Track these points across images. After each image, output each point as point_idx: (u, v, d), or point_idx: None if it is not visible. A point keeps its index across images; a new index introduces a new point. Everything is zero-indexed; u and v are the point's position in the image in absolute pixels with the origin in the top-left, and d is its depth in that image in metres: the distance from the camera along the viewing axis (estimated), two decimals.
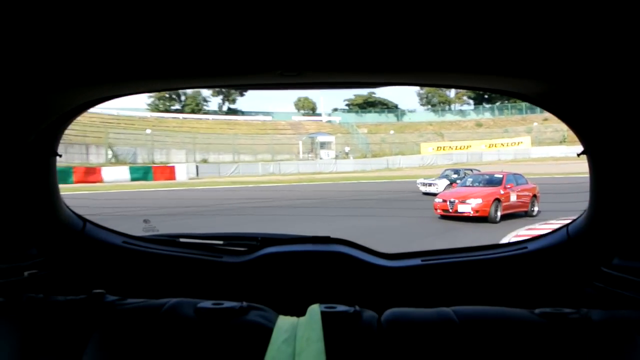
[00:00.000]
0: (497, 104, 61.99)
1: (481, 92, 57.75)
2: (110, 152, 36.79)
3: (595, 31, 1.07)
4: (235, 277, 1.91)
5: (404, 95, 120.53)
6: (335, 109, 68.95)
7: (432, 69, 1.42)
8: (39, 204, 1.75)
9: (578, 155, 1.66)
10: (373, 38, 1.17)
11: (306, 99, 66.60)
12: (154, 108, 57.94)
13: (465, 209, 13.33)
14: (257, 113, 62.63)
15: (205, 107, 61.15)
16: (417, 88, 67.05)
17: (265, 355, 1.05)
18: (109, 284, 1.50)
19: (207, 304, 1.22)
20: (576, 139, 1.72)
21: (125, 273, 1.92)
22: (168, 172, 31.57)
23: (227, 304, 1.21)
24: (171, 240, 2.06)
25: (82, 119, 41.64)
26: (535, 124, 51.06)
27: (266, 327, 1.15)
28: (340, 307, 1.21)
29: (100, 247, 1.92)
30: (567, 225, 1.84)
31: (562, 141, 45.54)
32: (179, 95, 60.10)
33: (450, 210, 13.47)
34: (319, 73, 1.47)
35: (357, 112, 65.50)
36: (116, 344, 1.16)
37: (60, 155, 1.81)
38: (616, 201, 1.57)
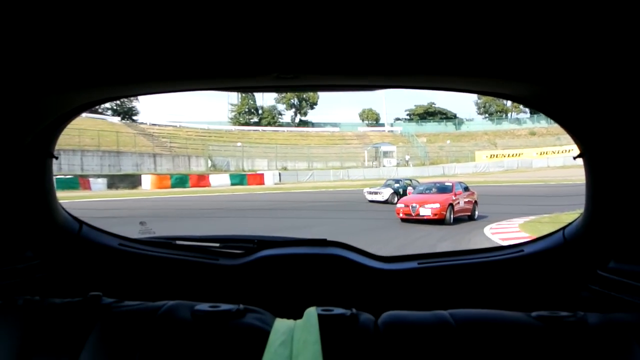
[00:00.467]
0: None
1: None
2: (209, 162, 44.40)
3: (589, 33, 1.07)
4: (231, 280, 1.91)
5: (463, 104, 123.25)
6: (398, 119, 74.64)
7: (426, 72, 1.42)
8: (35, 206, 1.74)
9: (574, 158, 1.67)
10: (369, 41, 1.19)
11: (370, 110, 72.75)
12: (236, 121, 65.82)
13: (425, 212, 15.02)
14: (325, 124, 69.41)
15: (280, 120, 68.45)
16: (475, 97, 71.39)
17: (262, 358, 1.05)
18: (105, 287, 1.48)
19: (204, 306, 1.21)
20: None
21: (121, 275, 1.92)
22: (259, 178, 38.32)
23: (224, 306, 1.21)
24: (167, 242, 2.07)
25: (181, 133, 49.86)
26: None
27: (263, 330, 1.14)
28: (337, 310, 1.21)
29: (96, 249, 1.91)
30: (564, 228, 1.84)
31: None
32: (256, 109, 67.71)
33: (413, 214, 15.15)
34: (315, 76, 1.47)
35: (417, 121, 70.78)
36: (113, 347, 1.16)
37: (57, 157, 1.79)
38: (612, 204, 1.56)
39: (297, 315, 1.21)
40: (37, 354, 1.18)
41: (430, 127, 69.02)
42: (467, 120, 72.55)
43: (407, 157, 52.77)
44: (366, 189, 25.75)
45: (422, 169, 48.17)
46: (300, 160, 49.65)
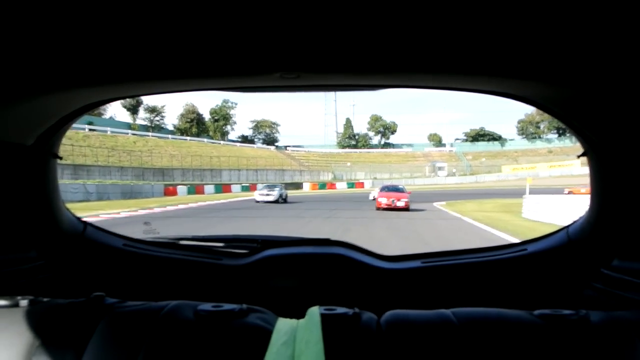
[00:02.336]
0: None
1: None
2: (332, 175, 74.64)
3: (596, 31, 1.05)
4: (235, 280, 1.90)
5: (507, 126, 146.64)
6: (457, 139, 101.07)
7: (432, 71, 1.39)
8: (39, 207, 1.74)
9: (578, 157, 1.66)
10: (373, 39, 1.16)
11: (435, 134, 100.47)
12: (339, 145, 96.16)
13: (400, 204, 23.72)
14: (402, 145, 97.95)
15: (370, 142, 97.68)
16: (515, 122, 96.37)
17: (265, 358, 1.05)
18: (109, 287, 1.50)
19: (207, 306, 1.21)
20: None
21: (125, 276, 1.91)
22: (361, 185, 67.17)
23: (227, 306, 1.21)
24: (171, 242, 2.07)
25: (310, 155, 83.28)
26: None
27: (266, 330, 1.14)
28: (340, 309, 1.21)
29: (100, 249, 1.91)
30: (567, 227, 1.82)
31: None
32: (354, 135, 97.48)
33: (392, 205, 23.61)
34: (319, 75, 1.46)
35: (471, 142, 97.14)
36: (116, 347, 1.15)
37: (61, 158, 1.79)
38: (616, 203, 1.55)
39: (300, 314, 1.22)
40: (41, 354, 1.18)
41: (482, 146, 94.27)
42: (509, 140, 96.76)
43: (454, 170, 79.73)
44: (257, 192, 31.32)
45: (463, 178, 74.86)
46: (384, 172, 77.98)
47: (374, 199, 27.54)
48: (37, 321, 1.24)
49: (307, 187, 61.76)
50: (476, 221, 17.88)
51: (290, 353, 1.07)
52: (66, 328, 1.22)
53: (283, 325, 1.16)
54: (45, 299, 1.31)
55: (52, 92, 1.43)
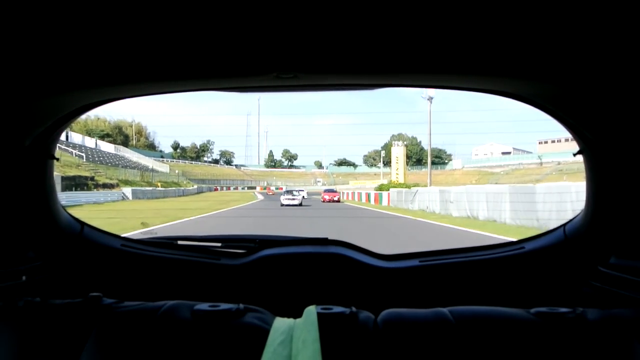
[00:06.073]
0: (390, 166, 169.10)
1: (389, 161, 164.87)
2: (266, 183, 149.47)
3: (595, 30, 1.06)
4: (233, 279, 1.91)
5: (359, 157, 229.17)
6: (331, 163, 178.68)
7: (428, 70, 1.39)
8: (36, 207, 1.73)
9: (574, 155, 1.66)
10: (369, 39, 1.16)
11: (318, 160, 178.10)
12: (266, 166, 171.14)
13: (335, 198, 46.88)
14: (299, 166, 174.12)
15: (282, 164, 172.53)
16: (361, 156, 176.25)
17: (262, 357, 1.05)
18: (106, 287, 1.50)
19: (204, 306, 1.21)
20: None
21: (123, 276, 1.91)
22: (281, 189, 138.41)
23: (224, 306, 1.21)
24: (169, 242, 2.08)
25: (253, 172, 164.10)
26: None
27: (263, 329, 1.14)
28: (337, 309, 1.20)
29: (98, 250, 1.91)
30: (564, 225, 1.82)
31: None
32: (274, 160, 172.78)
33: (332, 199, 46.47)
34: (315, 75, 1.45)
35: (338, 166, 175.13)
36: (113, 347, 1.15)
37: (58, 159, 1.78)
38: (613, 200, 1.54)
39: (299, 314, 1.21)
40: (38, 355, 1.17)
41: (343, 169, 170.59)
42: (359, 165, 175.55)
43: (325, 182, 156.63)
44: (282, 196, 35.69)
45: (331, 186, 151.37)
46: (291, 183, 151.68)
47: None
48: (34, 322, 1.24)
49: (258, 189, 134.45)
50: None
51: (287, 352, 1.07)
52: (64, 328, 1.22)
53: (280, 324, 1.17)
54: (42, 300, 1.31)
55: (50, 94, 1.42)
